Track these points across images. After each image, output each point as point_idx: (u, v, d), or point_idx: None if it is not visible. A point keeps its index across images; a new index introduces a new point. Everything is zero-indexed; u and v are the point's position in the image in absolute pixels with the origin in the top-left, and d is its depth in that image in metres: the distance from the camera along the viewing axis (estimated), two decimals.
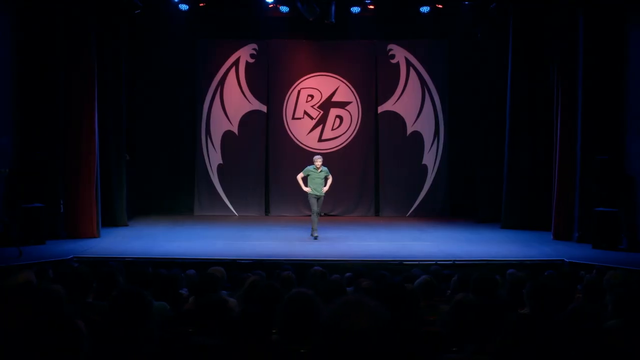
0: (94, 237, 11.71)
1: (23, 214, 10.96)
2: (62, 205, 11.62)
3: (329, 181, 12.02)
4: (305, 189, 11.99)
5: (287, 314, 3.39)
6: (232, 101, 15.13)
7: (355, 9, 13.92)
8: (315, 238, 11.76)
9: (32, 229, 10.93)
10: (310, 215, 12.20)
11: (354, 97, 15.22)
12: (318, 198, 11.93)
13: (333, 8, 12.33)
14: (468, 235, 12.38)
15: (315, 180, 11.87)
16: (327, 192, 12.13)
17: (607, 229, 10.91)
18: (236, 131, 15.15)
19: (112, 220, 12.88)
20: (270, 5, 13.95)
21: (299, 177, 12.05)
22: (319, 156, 12.15)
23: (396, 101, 15.16)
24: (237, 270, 8.73)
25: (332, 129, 15.26)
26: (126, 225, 13.23)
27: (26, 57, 11.37)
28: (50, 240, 11.18)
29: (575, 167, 11.65)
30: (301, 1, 12.20)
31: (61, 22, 11.51)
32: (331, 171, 12.11)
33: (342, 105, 15.25)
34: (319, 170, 11.89)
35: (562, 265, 9.78)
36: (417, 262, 9.73)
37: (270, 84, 15.18)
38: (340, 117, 15.26)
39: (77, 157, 11.72)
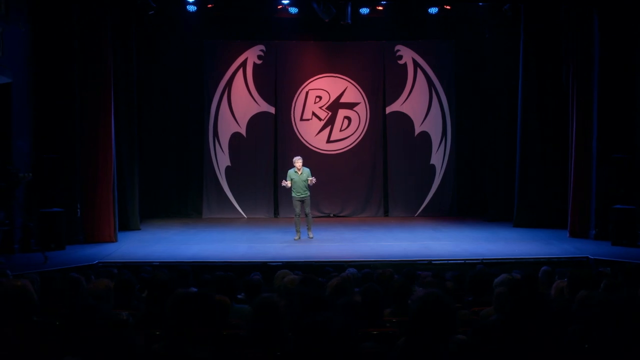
0: (112, 241, 11.57)
1: (42, 218, 10.78)
2: (79, 210, 11.46)
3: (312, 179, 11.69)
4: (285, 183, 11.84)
5: (425, 314, 3.38)
6: (240, 103, 15.06)
7: (364, 10, 13.91)
8: (297, 239, 11.67)
9: (52, 234, 10.76)
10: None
11: (362, 98, 15.25)
12: (303, 201, 11.79)
13: (349, 9, 12.33)
14: (484, 234, 12.46)
15: (298, 184, 11.70)
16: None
17: (625, 226, 11.07)
18: (244, 133, 15.08)
19: (124, 224, 12.72)
20: (279, 7, 13.91)
21: (285, 183, 11.83)
22: (298, 157, 11.96)
23: (404, 102, 15.23)
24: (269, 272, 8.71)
25: (341, 130, 15.27)
26: (139, 229, 13.10)
27: (43, 62, 11.22)
28: (69, 245, 11.02)
29: (591, 165, 11.81)
30: (317, 2, 12.18)
31: (78, 26, 11.39)
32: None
33: (351, 106, 15.27)
34: (300, 173, 11.74)
35: (588, 263, 9.91)
36: (445, 262, 9.82)
37: (278, 86, 15.15)
38: (349, 118, 15.28)
39: (94, 161, 11.61)
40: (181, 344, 2.81)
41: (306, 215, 11.85)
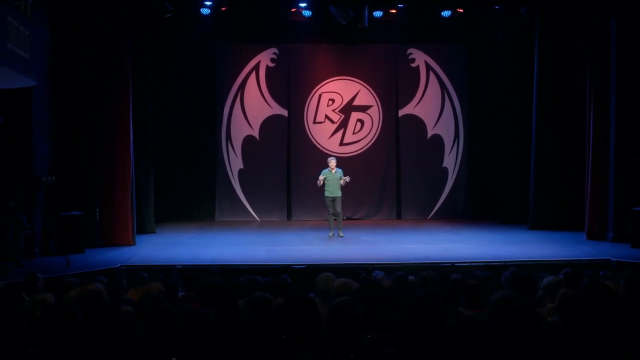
0: (130, 244, 11.54)
1: (62, 222, 10.75)
2: (97, 213, 11.42)
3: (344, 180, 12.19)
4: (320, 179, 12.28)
5: (505, 315, 3.39)
6: (253, 105, 15.05)
7: (378, 13, 13.87)
8: (331, 237, 12.25)
9: (71, 237, 10.73)
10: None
11: (374, 101, 15.27)
12: (334, 200, 12.11)
13: (366, 12, 12.35)
14: (500, 237, 12.45)
15: (331, 183, 12.17)
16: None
17: None
18: (257, 136, 15.07)
19: (140, 228, 12.66)
20: (292, 10, 13.91)
21: (321, 179, 12.26)
22: (332, 157, 12.56)
23: (416, 105, 15.26)
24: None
25: (354, 133, 15.29)
26: (154, 232, 13.06)
27: (63, 65, 11.21)
28: (88, 249, 10.98)
29: (608, 168, 11.83)
30: (335, 5, 12.18)
31: (97, 30, 11.39)
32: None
33: (363, 109, 15.29)
34: (334, 172, 12.19)
35: (610, 265, 9.92)
36: (468, 264, 9.81)
37: (290, 88, 15.15)
38: (361, 121, 15.29)
39: (112, 165, 11.58)
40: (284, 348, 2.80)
41: (337, 214, 12.23)
